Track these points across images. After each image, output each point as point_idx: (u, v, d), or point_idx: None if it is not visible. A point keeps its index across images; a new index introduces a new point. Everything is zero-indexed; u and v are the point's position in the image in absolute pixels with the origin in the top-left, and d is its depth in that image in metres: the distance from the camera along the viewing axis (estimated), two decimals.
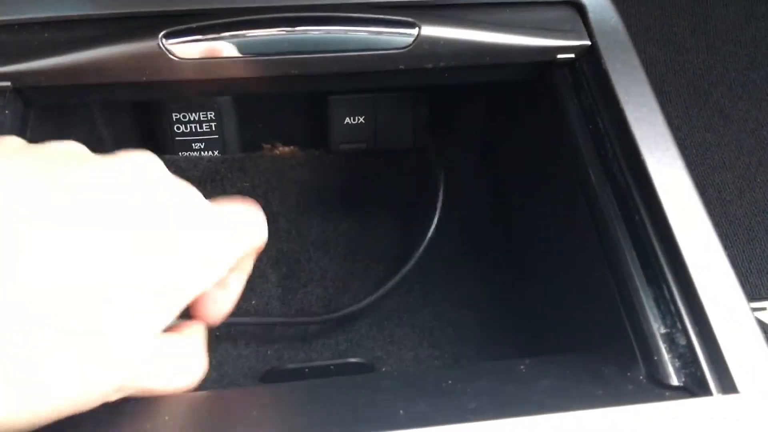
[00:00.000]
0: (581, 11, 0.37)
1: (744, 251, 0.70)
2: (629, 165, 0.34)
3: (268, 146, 0.52)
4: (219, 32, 0.34)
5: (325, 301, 0.46)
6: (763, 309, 0.67)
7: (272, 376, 0.43)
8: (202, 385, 0.41)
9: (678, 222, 0.31)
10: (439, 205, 0.47)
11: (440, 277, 0.47)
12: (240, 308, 0.45)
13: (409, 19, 0.35)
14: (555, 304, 0.41)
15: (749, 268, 0.69)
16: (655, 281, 0.32)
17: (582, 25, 0.37)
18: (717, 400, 0.28)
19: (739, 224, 0.72)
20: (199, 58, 0.34)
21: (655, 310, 0.31)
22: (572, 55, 0.37)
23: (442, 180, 0.48)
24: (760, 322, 0.67)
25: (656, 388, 0.30)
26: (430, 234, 0.47)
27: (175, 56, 0.34)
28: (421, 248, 0.46)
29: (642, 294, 0.32)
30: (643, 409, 0.28)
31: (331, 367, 0.42)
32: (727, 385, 0.28)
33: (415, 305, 0.46)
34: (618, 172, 0.34)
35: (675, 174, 0.33)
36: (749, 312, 0.30)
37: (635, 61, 0.36)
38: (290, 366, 0.43)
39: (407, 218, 0.50)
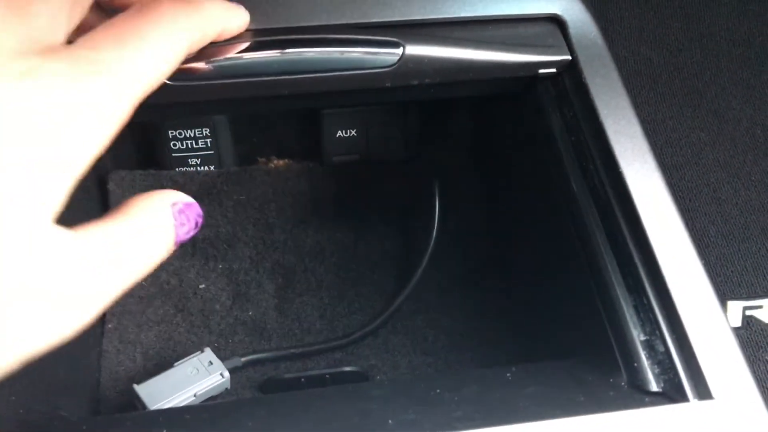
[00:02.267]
0: (562, 27, 0.38)
1: (740, 249, 0.71)
2: (609, 176, 0.35)
3: (263, 160, 0.53)
4: (211, 56, 0.35)
5: (320, 310, 0.47)
6: (760, 307, 0.68)
7: (270, 385, 0.44)
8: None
9: (654, 232, 0.32)
10: (437, 216, 0.49)
11: (433, 285, 0.48)
12: (237, 319, 0.47)
13: (394, 39, 0.36)
14: (543, 312, 0.43)
15: (745, 267, 0.69)
16: (635, 290, 0.33)
17: (563, 40, 0.38)
18: (693, 405, 0.29)
19: (734, 223, 0.72)
20: (192, 82, 0.35)
21: (635, 318, 0.32)
22: (554, 70, 0.38)
23: (436, 190, 0.49)
24: (757, 321, 0.67)
25: (636, 394, 0.31)
26: (430, 249, 0.48)
27: (170, 80, 0.35)
28: (423, 264, 0.47)
29: (623, 302, 0.33)
30: (622, 415, 0.29)
31: (327, 375, 0.43)
32: (703, 391, 0.29)
33: (409, 312, 0.47)
34: (599, 183, 0.35)
35: (652, 185, 0.34)
36: (724, 320, 0.31)
37: (614, 75, 0.37)
38: (287, 375, 0.44)
39: (400, 227, 0.51)
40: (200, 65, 0.35)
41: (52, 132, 0.22)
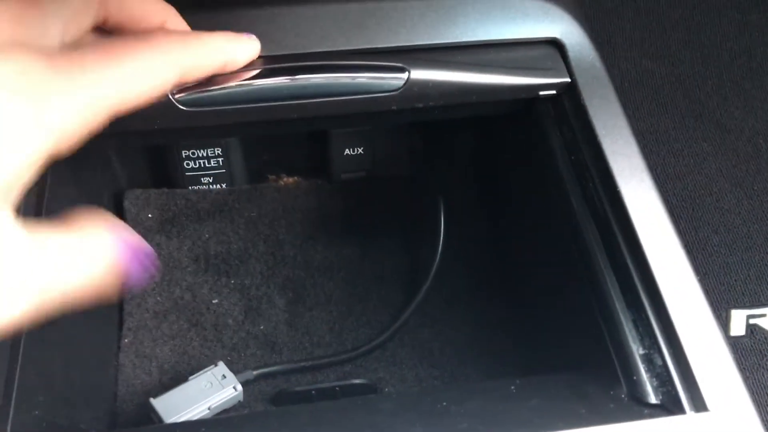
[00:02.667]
0: (561, 50, 0.40)
1: (743, 259, 0.71)
2: (607, 195, 0.36)
3: (273, 177, 0.55)
4: (224, 82, 0.37)
5: (330, 324, 0.49)
6: (763, 315, 0.68)
7: (282, 398, 0.45)
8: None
9: (651, 249, 0.34)
10: (442, 232, 0.50)
11: (439, 300, 0.50)
12: (249, 333, 0.48)
13: (399, 65, 0.38)
14: (545, 326, 0.44)
15: (748, 275, 0.70)
16: (634, 305, 0.34)
17: (562, 63, 0.39)
18: (689, 417, 0.30)
19: (737, 232, 0.73)
20: (206, 108, 0.37)
21: (634, 332, 0.33)
22: (554, 92, 0.39)
23: (441, 206, 0.50)
24: (761, 329, 0.68)
25: (636, 406, 0.32)
26: (435, 264, 0.49)
27: (184, 106, 0.37)
28: (429, 279, 0.49)
29: (622, 317, 0.34)
30: (622, 427, 0.30)
31: (337, 388, 0.45)
32: (699, 404, 0.30)
33: (415, 325, 0.49)
34: (598, 202, 0.37)
35: (649, 203, 0.35)
36: (720, 334, 0.32)
37: (612, 96, 0.39)
38: (298, 388, 0.45)
39: (405, 243, 0.52)
40: (213, 92, 0.37)
41: (7, 112, 0.21)
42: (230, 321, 0.48)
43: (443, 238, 0.50)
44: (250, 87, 0.37)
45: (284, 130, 0.46)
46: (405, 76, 0.38)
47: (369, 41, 0.38)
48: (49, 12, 0.26)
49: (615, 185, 0.36)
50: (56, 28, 0.27)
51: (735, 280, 0.68)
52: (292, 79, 0.37)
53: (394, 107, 0.38)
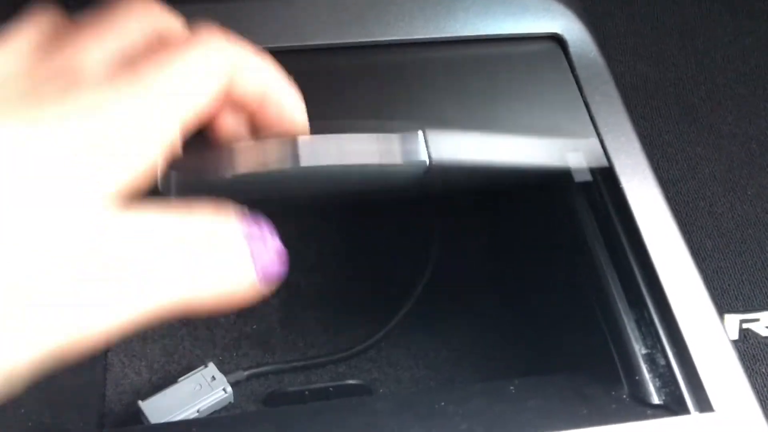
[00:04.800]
0: (562, 45, 0.39)
1: (736, 263, 0.71)
2: (609, 192, 0.36)
3: None
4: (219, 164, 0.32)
5: (324, 324, 0.48)
6: (756, 320, 0.68)
7: (274, 399, 0.44)
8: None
9: (655, 247, 0.33)
10: (439, 230, 0.49)
11: (435, 299, 0.49)
12: (242, 332, 0.47)
13: (420, 160, 0.32)
14: (544, 326, 0.43)
15: (741, 280, 0.70)
16: (636, 304, 0.33)
17: (564, 58, 0.39)
18: (694, 418, 0.29)
19: (730, 237, 0.73)
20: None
21: (637, 332, 0.33)
22: (590, 178, 0.35)
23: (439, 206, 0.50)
24: (754, 334, 0.68)
25: (638, 407, 0.31)
26: (431, 265, 0.48)
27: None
28: (425, 278, 0.48)
29: (624, 316, 0.33)
30: (624, 428, 0.29)
31: (331, 389, 0.44)
32: (704, 404, 0.30)
33: (411, 327, 0.48)
34: (600, 200, 0.36)
35: (652, 200, 0.35)
36: (724, 333, 0.31)
37: (614, 93, 0.38)
38: (291, 389, 0.44)
39: (404, 242, 0.52)
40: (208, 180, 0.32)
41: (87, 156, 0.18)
42: (222, 320, 0.47)
43: (441, 236, 0.49)
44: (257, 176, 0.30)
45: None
46: (425, 164, 0.32)
47: (367, 34, 0.38)
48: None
49: (618, 182, 0.35)
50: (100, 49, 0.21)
51: (728, 285, 0.68)
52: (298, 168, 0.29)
53: (412, 193, 0.35)
